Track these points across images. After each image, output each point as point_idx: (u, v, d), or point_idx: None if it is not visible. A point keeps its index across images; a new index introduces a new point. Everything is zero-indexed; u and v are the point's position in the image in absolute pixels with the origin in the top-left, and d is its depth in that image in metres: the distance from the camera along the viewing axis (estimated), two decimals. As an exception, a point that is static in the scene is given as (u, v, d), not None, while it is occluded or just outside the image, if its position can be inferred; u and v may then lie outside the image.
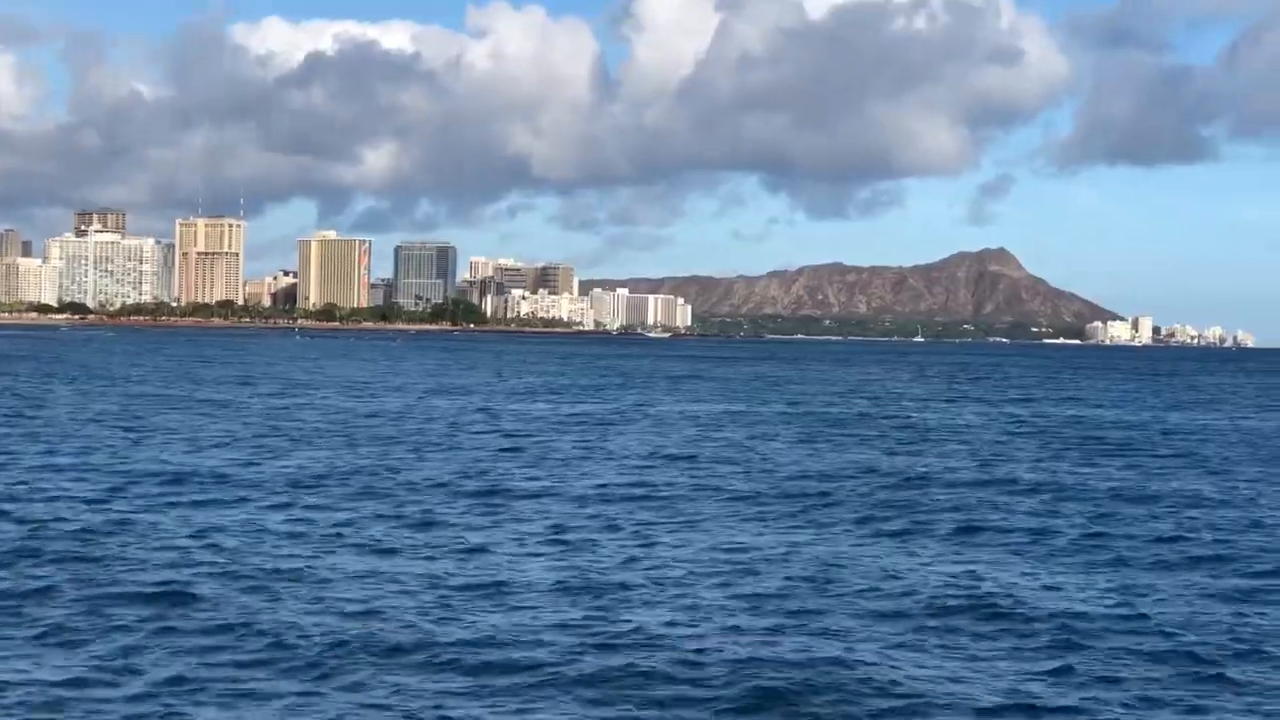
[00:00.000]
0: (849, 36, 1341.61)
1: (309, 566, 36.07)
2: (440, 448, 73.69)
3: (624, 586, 34.46)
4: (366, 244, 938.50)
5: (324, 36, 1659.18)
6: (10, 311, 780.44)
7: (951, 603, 32.95)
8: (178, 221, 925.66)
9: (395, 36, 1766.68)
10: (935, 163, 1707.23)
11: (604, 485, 56.82)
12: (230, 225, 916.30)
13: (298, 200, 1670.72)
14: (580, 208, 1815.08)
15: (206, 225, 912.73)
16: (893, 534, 44.58)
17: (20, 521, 42.48)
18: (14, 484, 52.41)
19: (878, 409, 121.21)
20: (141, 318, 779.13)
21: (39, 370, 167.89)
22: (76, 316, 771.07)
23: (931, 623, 31.04)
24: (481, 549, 39.77)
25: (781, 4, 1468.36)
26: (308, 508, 47.97)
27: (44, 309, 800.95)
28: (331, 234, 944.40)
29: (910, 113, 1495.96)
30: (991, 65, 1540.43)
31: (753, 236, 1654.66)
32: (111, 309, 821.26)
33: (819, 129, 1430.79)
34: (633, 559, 38.56)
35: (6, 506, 45.86)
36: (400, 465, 63.43)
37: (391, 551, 39.02)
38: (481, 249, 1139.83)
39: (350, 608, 31.25)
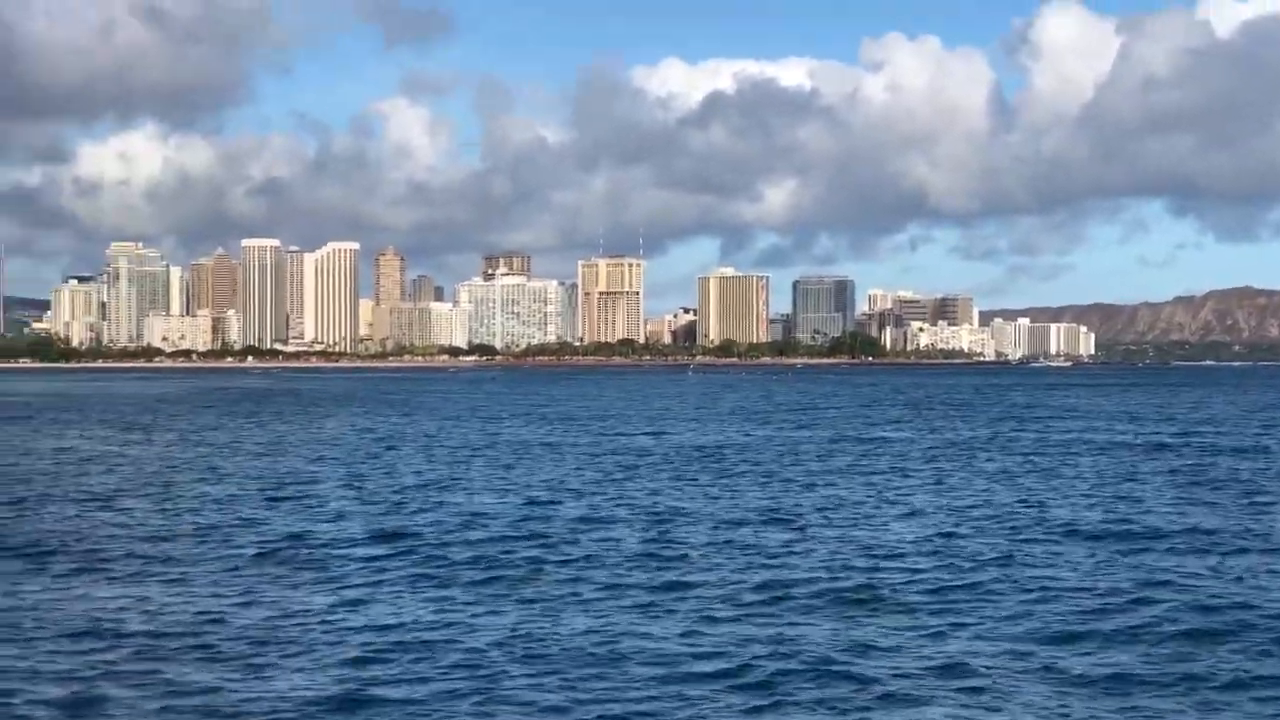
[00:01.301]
0: (1259, 53, 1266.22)
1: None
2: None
3: None
4: (765, 280, 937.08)
5: (722, 76, 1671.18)
6: (423, 354, 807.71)
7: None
8: (580, 262, 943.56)
9: (792, 73, 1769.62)
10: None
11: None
12: (631, 265, 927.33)
13: (699, 238, 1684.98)
14: (979, 238, 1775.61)
15: (608, 265, 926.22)
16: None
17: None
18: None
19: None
20: (545, 358, 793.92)
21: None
22: (484, 358, 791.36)
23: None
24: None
25: (1187, 23, 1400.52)
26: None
27: (454, 351, 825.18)
28: (730, 270, 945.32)
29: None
30: None
31: (1157, 262, 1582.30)
32: (517, 350, 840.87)
33: (1227, 149, 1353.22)
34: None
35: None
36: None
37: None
38: (880, 282, 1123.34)
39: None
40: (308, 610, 32.31)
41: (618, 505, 54.47)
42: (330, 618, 31.48)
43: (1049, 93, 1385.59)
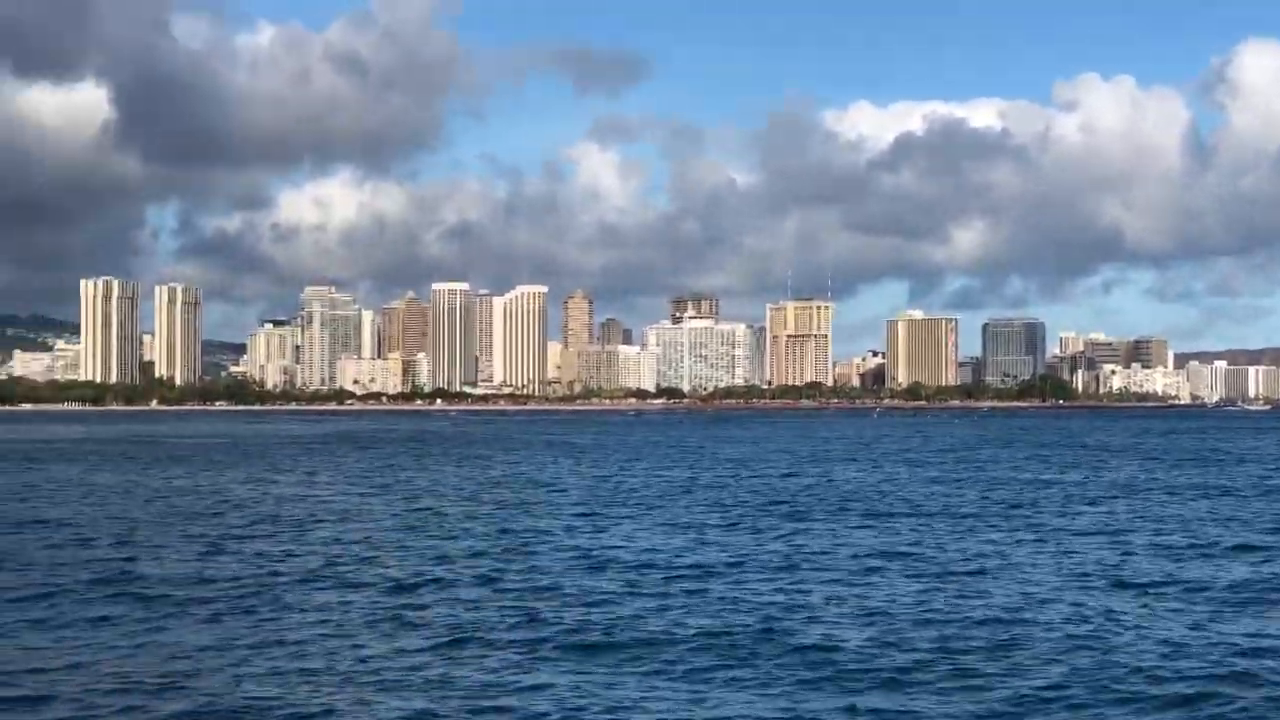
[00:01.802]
0: None
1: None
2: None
3: None
4: (953, 322, 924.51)
5: (912, 118, 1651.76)
6: (610, 397, 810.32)
7: None
8: (768, 306, 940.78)
9: (983, 114, 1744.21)
10: None
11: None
12: (819, 308, 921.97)
13: (889, 280, 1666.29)
14: (1175, 280, 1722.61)
15: (796, 309, 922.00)
16: None
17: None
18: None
19: None
20: (733, 401, 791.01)
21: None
22: (671, 401, 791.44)
23: None
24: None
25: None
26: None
27: (641, 394, 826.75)
28: (919, 313, 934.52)
29: None
30: None
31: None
32: (704, 393, 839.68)
33: None
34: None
35: None
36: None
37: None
38: (1072, 324, 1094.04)
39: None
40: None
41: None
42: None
43: (1248, 131, 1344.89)
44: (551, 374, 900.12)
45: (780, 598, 39.41)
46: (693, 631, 33.98)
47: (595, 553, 50.76)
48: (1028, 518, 66.89)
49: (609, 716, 26.45)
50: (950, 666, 30.10)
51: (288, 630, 34.28)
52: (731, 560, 48.38)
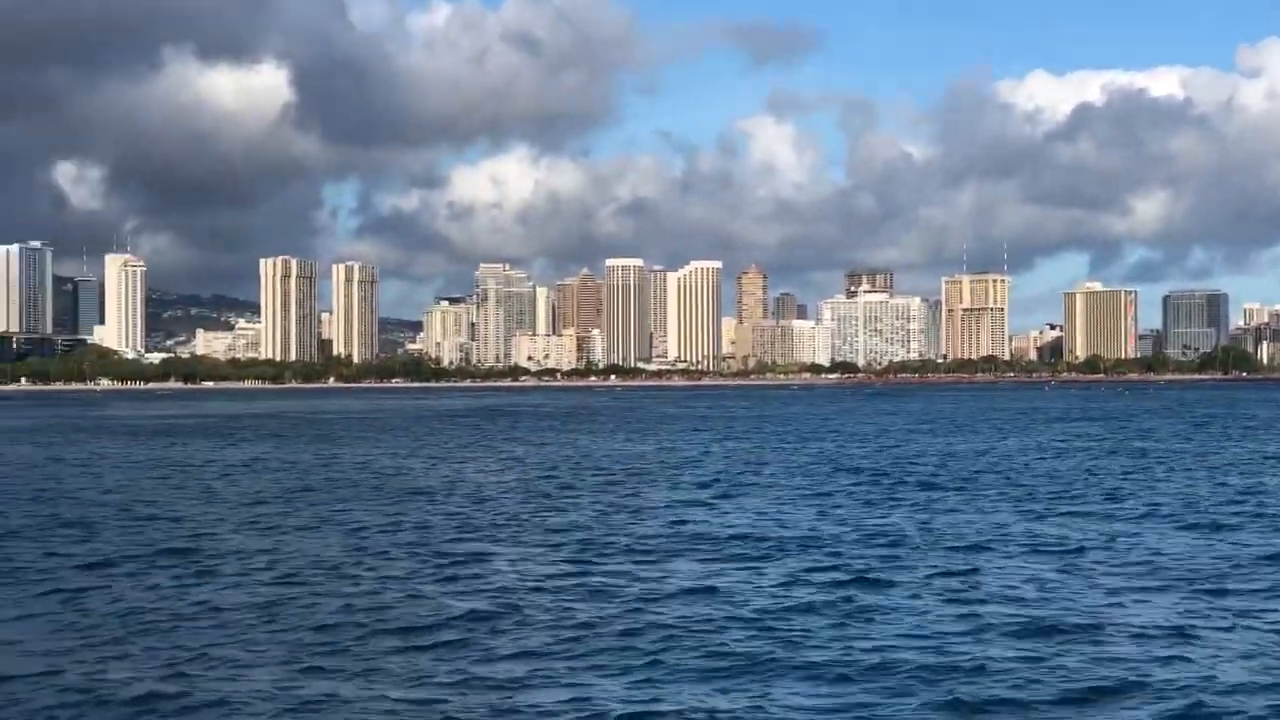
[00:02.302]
0: None
1: None
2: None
3: None
4: (1133, 295, 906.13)
5: (1090, 87, 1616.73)
6: (784, 373, 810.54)
7: None
8: (944, 279, 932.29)
9: (1163, 82, 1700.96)
10: None
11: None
12: (995, 281, 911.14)
13: (1067, 253, 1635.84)
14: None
15: (972, 282, 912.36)
16: None
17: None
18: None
19: None
20: (908, 375, 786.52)
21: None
22: (845, 375, 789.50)
23: None
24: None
25: None
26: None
27: (816, 369, 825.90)
28: (1097, 285, 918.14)
29: None
30: None
31: None
32: (878, 367, 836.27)
33: None
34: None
35: None
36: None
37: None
38: (1257, 295, 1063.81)
39: None
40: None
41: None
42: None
43: None
44: (726, 349, 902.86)
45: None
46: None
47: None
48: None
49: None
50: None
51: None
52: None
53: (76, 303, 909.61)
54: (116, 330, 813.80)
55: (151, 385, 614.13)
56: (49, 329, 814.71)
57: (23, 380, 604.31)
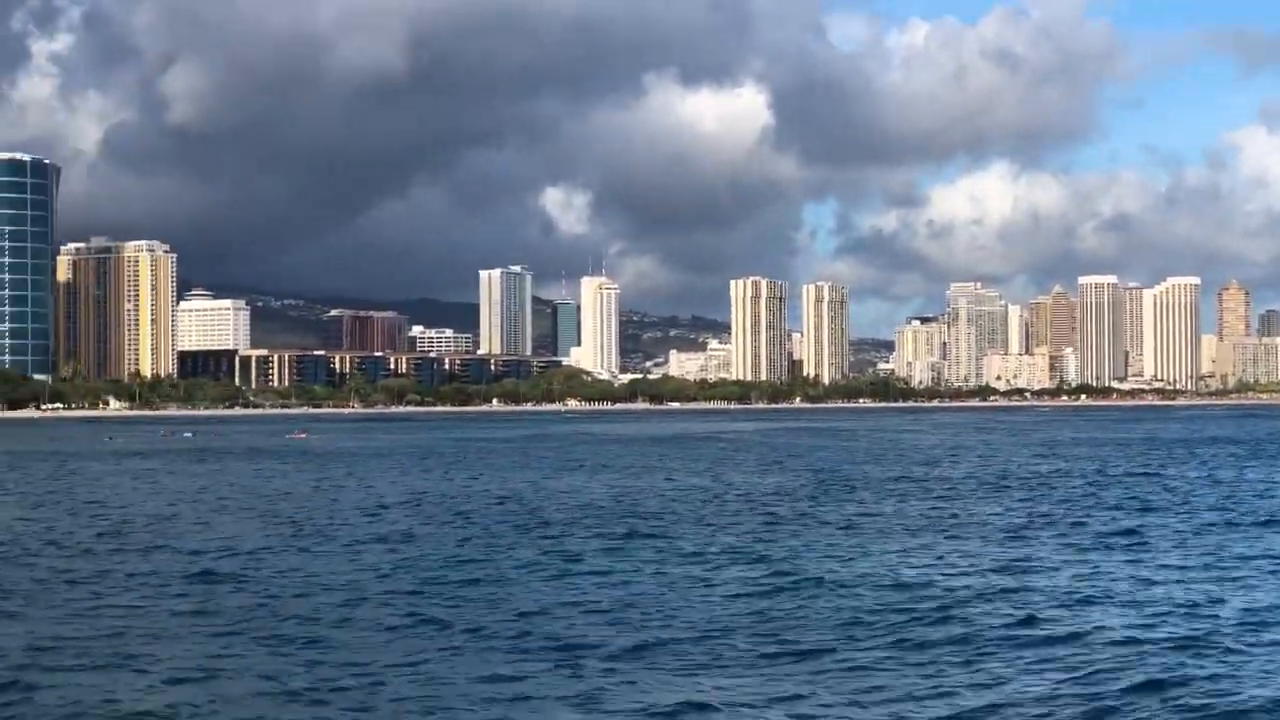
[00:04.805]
0: None
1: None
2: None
3: None
4: None
5: None
6: (1266, 392, 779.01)
7: None
8: None
9: None
10: None
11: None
12: None
13: None
14: None
15: None
16: None
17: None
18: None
19: None
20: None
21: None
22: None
23: None
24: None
25: None
26: None
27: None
28: None
29: None
30: None
31: None
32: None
33: None
34: None
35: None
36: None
37: None
38: None
39: None
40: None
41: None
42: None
43: None
44: (1205, 368, 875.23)
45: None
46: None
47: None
48: None
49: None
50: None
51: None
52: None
53: (556, 325, 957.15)
54: (592, 351, 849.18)
55: (617, 406, 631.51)
56: (528, 350, 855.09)
57: (494, 401, 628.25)
